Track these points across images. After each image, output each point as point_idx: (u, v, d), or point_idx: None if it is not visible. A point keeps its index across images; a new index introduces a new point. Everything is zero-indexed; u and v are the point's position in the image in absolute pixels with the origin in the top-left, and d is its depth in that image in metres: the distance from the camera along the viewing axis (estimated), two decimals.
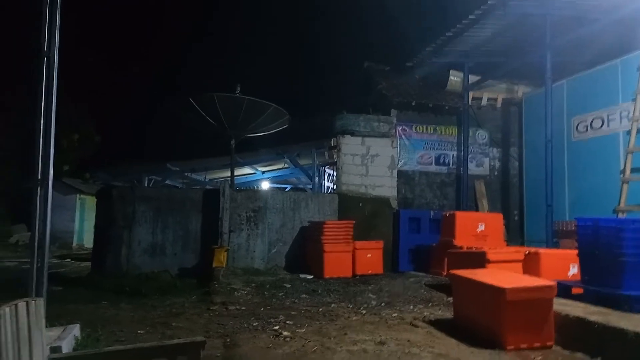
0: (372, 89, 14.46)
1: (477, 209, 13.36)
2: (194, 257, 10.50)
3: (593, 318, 4.81)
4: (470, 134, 13.64)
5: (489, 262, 7.36)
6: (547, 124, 10.63)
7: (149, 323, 5.95)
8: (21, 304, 1.56)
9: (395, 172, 12.90)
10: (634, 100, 9.14)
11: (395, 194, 12.80)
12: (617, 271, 5.27)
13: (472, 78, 13.65)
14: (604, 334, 4.50)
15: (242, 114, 11.62)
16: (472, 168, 13.65)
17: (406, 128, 13.29)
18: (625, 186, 8.91)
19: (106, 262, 10.08)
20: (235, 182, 15.75)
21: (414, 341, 5.05)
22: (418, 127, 13.45)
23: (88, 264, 11.28)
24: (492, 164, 14.11)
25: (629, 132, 9.19)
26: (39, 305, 1.81)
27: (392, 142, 12.95)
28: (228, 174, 15.82)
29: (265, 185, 21.41)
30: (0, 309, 1.38)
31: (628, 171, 8.96)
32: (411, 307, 7.07)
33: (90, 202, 19.15)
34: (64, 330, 4.71)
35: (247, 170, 19.74)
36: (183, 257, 10.47)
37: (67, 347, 4.36)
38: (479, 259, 7.50)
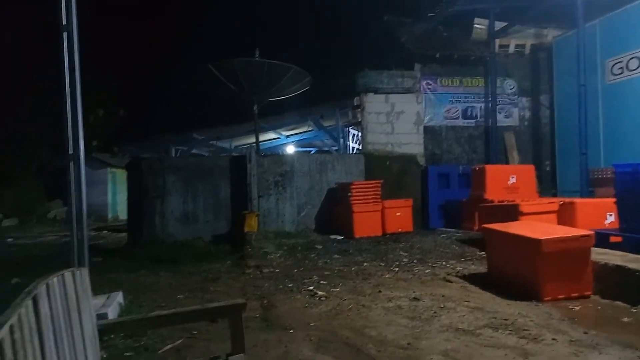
0: (394, 44, 14.03)
1: (507, 162, 13.08)
2: (226, 224, 10.69)
3: (632, 266, 4.72)
4: (498, 84, 13.19)
5: (522, 214, 7.26)
6: (580, 68, 10.17)
7: (188, 289, 6.13)
8: (68, 274, 1.60)
9: (421, 129, 12.67)
10: None
11: (423, 150, 12.61)
12: None
13: (498, 25, 13.08)
14: None
15: (263, 78, 11.49)
16: (501, 119, 13.28)
17: (431, 82, 12.94)
18: None
19: (142, 232, 10.36)
20: (261, 147, 15.79)
21: (448, 296, 5.07)
22: (443, 80, 13.07)
23: (124, 234, 11.63)
24: (522, 114, 13.66)
25: None
26: (84, 274, 1.86)
27: (417, 97, 12.66)
28: (253, 140, 15.86)
29: (290, 149, 21.41)
30: (48, 278, 1.41)
31: None
32: (443, 262, 7.08)
33: (121, 175, 19.57)
34: (108, 297, 4.91)
35: (271, 135, 19.74)
36: (215, 224, 10.67)
37: (112, 313, 4.54)
38: (511, 212, 7.39)
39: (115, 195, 21.94)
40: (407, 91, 12.56)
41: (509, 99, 13.55)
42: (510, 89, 13.58)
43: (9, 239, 13.77)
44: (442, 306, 4.67)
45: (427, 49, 13.10)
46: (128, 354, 3.72)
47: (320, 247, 9.17)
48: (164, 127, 21.09)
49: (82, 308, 1.73)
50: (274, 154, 13.55)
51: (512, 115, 13.57)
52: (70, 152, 4.20)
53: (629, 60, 10.39)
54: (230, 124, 17.61)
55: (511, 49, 13.52)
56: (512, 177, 10.23)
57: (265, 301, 5.18)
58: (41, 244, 12.55)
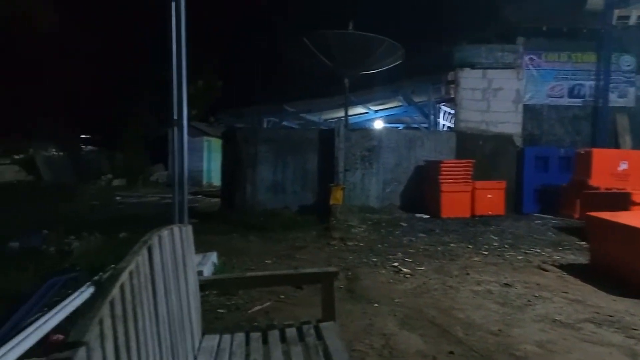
0: (494, 15, 13.11)
1: (617, 146, 11.86)
2: (312, 195, 10.88)
3: None
4: (613, 60, 11.87)
5: (633, 204, 6.58)
6: None
7: (275, 255, 6.36)
8: (176, 228, 1.70)
9: (520, 107, 11.83)
10: None
11: (520, 130, 11.80)
12: None
13: None
14: None
15: (356, 51, 11.36)
16: (613, 99, 11.98)
17: (534, 57, 11.97)
18: None
19: (234, 199, 10.88)
20: (349, 122, 15.75)
21: (543, 285, 4.77)
22: (548, 55, 12.02)
23: (217, 200, 12.29)
24: (639, 94, 12.23)
25: None
26: (189, 230, 1.97)
27: (518, 73, 11.80)
28: (342, 114, 15.85)
29: (378, 124, 21.14)
30: (160, 230, 1.50)
31: None
32: (538, 250, 6.66)
33: (216, 143, 20.59)
34: (203, 257, 5.23)
35: (359, 109, 19.60)
36: (302, 195, 10.90)
37: (207, 272, 4.84)
38: (621, 201, 6.75)
39: (210, 162, 23.16)
40: (507, 67, 11.75)
41: (624, 76, 12.16)
42: (627, 65, 12.17)
43: (118, 197, 15.19)
44: (536, 295, 4.40)
45: (532, 21, 12.06)
46: (221, 310, 3.95)
47: (405, 224, 9.03)
48: (257, 99, 21.72)
49: (186, 262, 1.83)
50: (362, 129, 13.44)
51: (627, 94, 12.19)
52: (175, 117, 4.46)
53: None
54: (321, 97, 17.73)
55: (632, 20, 12.04)
56: (623, 163, 9.30)
57: (349, 273, 5.23)
58: (144, 203, 13.69)
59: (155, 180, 22.76)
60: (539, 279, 5.03)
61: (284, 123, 20.52)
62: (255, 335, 2.14)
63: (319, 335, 2.09)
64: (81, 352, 0.79)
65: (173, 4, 4.18)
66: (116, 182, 20.98)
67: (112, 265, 4.83)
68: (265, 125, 19.39)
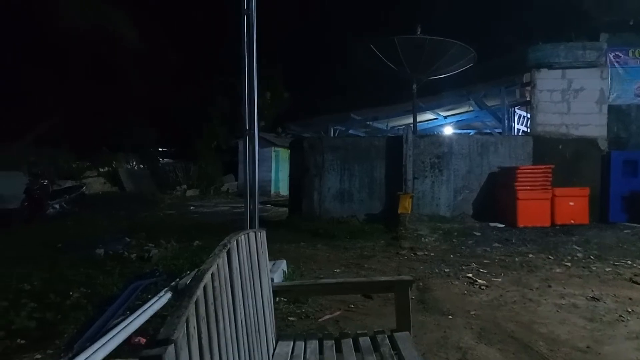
0: (574, 10, 12.32)
1: None
2: (379, 204, 10.76)
3: None
4: None
5: None
6: None
7: (343, 263, 6.33)
8: (251, 233, 1.73)
9: (604, 108, 10.99)
10: None
11: (605, 133, 10.95)
12: None
13: None
14: None
15: (424, 55, 11.14)
16: None
17: (620, 54, 11.09)
18: None
19: (301, 207, 11.01)
20: (418, 128, 15.45)
21: (637, 299, 4.37)
22: (636, 52, 11.11)
23: (284, 209, 12.50)
24: None
25: None
26: (263, 235, 2.00)
27: (602, 72, 10.98)
28: (409, 120, 15.59)
29: (448, 130, 20.58)
30: (238, 235, 1.53)
31: None
32: (629, 261, 6.14)
33: (283, 153, 21.03)
34: (273, 264, 5.31)
35: (428, 115, 19.20)
36: (369, 203, 10.81)
37: (277, 279, 4.90)
38: None
39: (278, 172, 23.67)
40: (589, 65, 10.98)
41: None
42: None
43: (192, 207, 15.92)
44: (629, 310, 4.04)
45: (618, 13, 11.21)
46: (291, 318, 3.97)
47: (479, 234, 8.68)
48: (324, 108, 21.93)
49: (261, 266, 1.85)
50: (431, 135, 13.15)
51: None
52: (246, 128, 4.59)
53: None
54: (388, 104, 17.57)
55: None
56: None
57: (420, 284, 5.08)
58: (216, 212, 14.22)
59: (226, 190, 23.63)
60: (631, 292, 4.61)
61: (351, 131, 20.55)
62: (329, 343, 2.12)
63: (394, 346, 2.03)
64: (170, 349, 0.81)
65: (245, 18, 4.33)
66: (190, 193, 22.02)
67: (187, 272, 5.04)
68: (332, 134, 19.52)
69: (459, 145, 10.85)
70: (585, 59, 10.99)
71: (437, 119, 19.80)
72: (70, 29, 17.83)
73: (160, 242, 7.25)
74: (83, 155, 20.19)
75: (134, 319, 3.50)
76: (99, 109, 21.07)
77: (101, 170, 20.52)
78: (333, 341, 2.13)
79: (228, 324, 1.22)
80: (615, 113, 11.09)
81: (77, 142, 19.49)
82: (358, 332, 2.22)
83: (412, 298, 4.42)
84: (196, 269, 5.09)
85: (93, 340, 3.08)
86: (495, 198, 10.33)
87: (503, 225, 9.51)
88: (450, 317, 3.92)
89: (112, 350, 2.99)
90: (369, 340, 2.11)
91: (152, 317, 3.73)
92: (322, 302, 4.30)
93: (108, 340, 3.03)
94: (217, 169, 25.03)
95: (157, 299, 4.05)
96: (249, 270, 1.63)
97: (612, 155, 10.43)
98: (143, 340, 3.32)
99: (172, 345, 0.82)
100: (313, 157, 10.99)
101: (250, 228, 4.86)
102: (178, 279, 4.70)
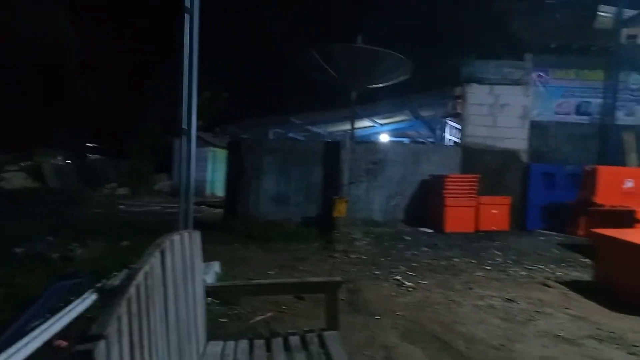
0: (503, 31, 13.18)
1: (623, 164, 11.84)
2: (316, 207, 10.90)
3: None
4: (621, 78, 11.92)
5: (638, 221, 6.57)
6: None
7: (277, 265, 6.37)
8: (186, 234, 1.75)
9: (527, 123, 11.85)
10: None
11: (527, 146, 11.81)
12: None
13: (627, 13, 11.76)
14: None
15: (363, 64, 11.41)
16: (621, 117, 12.00)
17: (542, 74, 12.03)
18: None
19: (236, 209, 10.91)
20: (355, 134, 15.79)
21: (547, 301, 4.76)
22: (556, 72, 12.08)
23: (220, 210, 12.31)
24: None
25: None
26: (197, 236, 2.01)
27: (526, 89, 11.85)
28: (347, 126, 15.89)
29: (384, 138, 21.21)
30: (172, 236, 1.54)
31: None
32: (542, 266, 6.65)
33: (220, 154, 20.66)
34: (206, 266, 5.25)
35: (366, 122, 19.68)
36: (305, 207, 10.92)
37: (210, 280, 4.86)
38: (626, 219, 6.75)
39: (215, 172, 23.21)
40: (515, 83, 11.80)
41: (632, 95, 12.19)
42: (635, 84, 12.21)
43: (122, 206, 15.25)
44: (539, 310, 4.40)
45: (542, 37, 12.14)
46: (223, 320, 3.96)
47: (409, 238, 9.03)
48: (263, 110, 21.87)
49: (194, 267, 1.87)
50: (368, 142, 13.50)
51: (634, 113, 12.21)
52: (184, 127, 4.53)
53: None
54: (327, 109, 17.81)
55: None
56: (629, 182, 9.31)
57: (351, 285, 5.23)
58: (147, 212, 13.72)
59: (159, 190, 22.86)
60: (542, 295, 5.02)
61: (290, 135, 20.62)
62: (259, 343, 2.17)
63: (322, 344, 2.11)
64: (101, 345, 0.83)
65: (187, 17, 4.27)
66: (120, 191, 21.09)
67: (115, 273, 4.86)
68: (271, 136, 19.49)
69: (394, 152, 11.24)
70: (512, 76, 11.80)
71: (374, 126, 20.34)
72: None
73: (87, 241, 6.91)
74: (2, 148, 18.79)
75: (56, 321, 3.35)
76: (19, 102, 19.73)
77: (22, 164, 19.16)
78: (263, 341, 2.18)
79: (159, 322, 1.24)
80: (537, 128, 11.99)
81: None
82: (288, 331, 2.28)
83: (343, 300, 4.59)
84: (125, 270, 4.93)
85: (11, 343, 2.92)
86: (426, 204, 10.80)
87: (432, 231, 9.96)
88: (378, 317, 4.08)
89: (31, 353, 2.85)
90: (299, 339, 2.18)
91: (75, 319, 3.58)
92: (255, 303, 4.32)
93: (27, 342, 2.88)
94: (150, 167, 24.16)
95: (81, 301, 3.89)
96: (182, 271, 1.64)
97: (532, 168, 11.25)
98: (64, 343, 3.18)
99: (104, 341, 0.84)
100: (251, 159, 10.94)
101: (184, 229, 4.78)
102: (105, 280, 4.54)
